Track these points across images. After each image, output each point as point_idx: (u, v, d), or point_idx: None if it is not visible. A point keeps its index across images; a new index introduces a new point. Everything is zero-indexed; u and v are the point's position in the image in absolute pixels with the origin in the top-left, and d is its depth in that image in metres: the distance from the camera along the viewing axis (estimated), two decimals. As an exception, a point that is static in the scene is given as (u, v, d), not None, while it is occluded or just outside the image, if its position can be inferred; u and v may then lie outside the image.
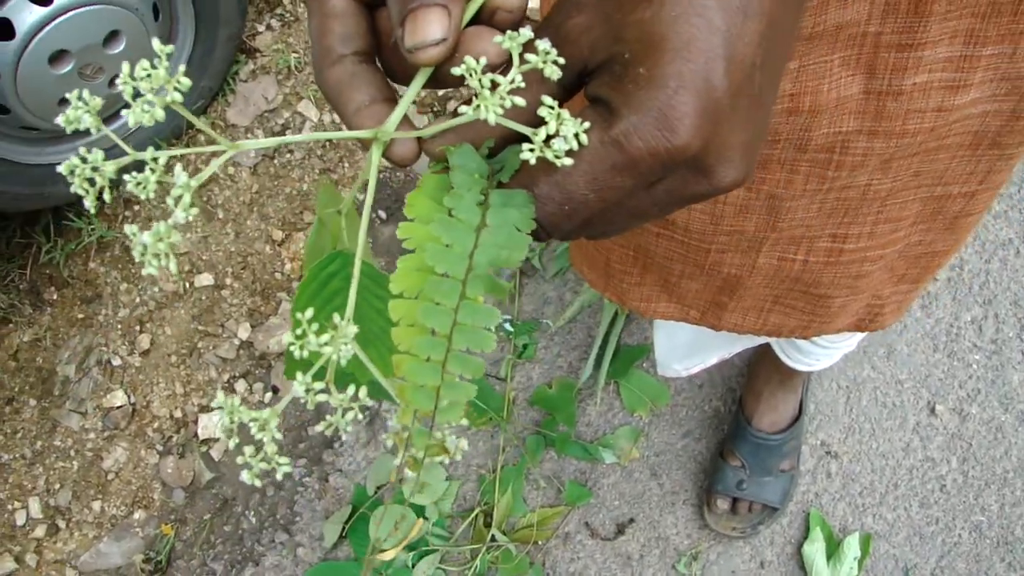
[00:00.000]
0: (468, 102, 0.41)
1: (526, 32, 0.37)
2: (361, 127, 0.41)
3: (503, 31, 0.39)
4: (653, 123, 0.35)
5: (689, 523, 1.66)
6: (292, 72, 1.94)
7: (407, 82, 0.43)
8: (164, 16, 1.72)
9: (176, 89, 0.38)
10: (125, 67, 0.39)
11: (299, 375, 0.40)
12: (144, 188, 0.38)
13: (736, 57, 0.35)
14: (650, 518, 1.67)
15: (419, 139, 0.43)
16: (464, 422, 0.41)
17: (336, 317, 0.41)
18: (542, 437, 1.69)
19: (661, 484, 1.69)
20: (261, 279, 1.89)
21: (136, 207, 1.92)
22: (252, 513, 1.80)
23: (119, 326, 1.88)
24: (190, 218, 0.38)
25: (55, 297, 1.92)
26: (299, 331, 0.40)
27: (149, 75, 0.38)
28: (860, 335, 1.34)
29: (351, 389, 0.41)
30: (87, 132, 1.75)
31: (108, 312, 1.89)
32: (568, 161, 0.37)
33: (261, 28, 1.97)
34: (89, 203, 0.40)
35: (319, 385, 0.40)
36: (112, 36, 1.62)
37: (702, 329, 1.17)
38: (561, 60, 0.37)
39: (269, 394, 1.85)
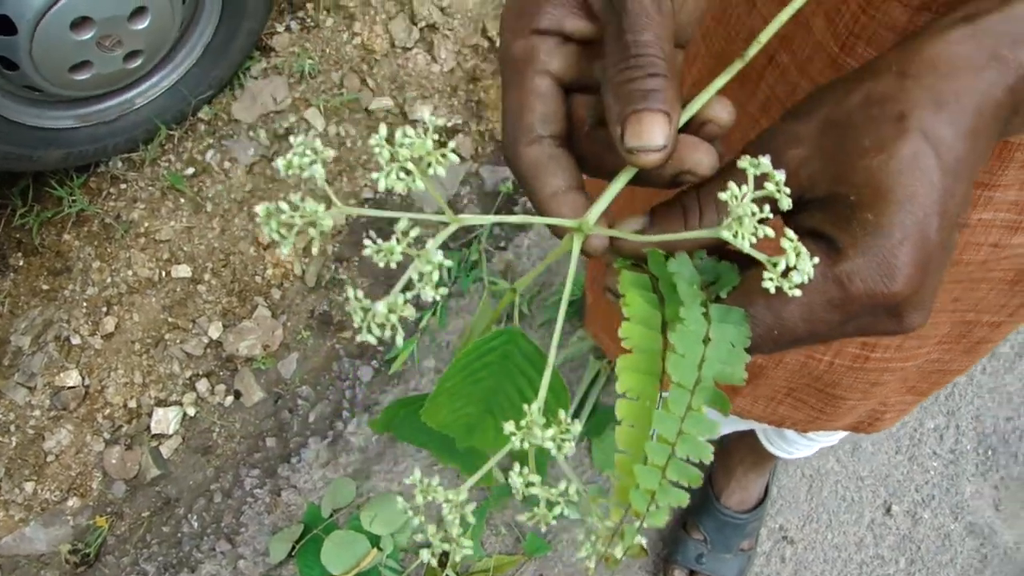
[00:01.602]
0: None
1: (765, 161, 0.38)
2: (558, 213, 0.42)
3: (710, 141, 0.41)
4: (877, 268, 0.37)
5: (642, 589, 1.67)
6: (305, 77, 1.91)
7: (596, 172, 0.44)
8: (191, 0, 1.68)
9: (439, 163, 0.37)
10: (383, 129, 0.38)
11: (516, 466, 0.40)
12: (386, 256, 0.37)
13: (947, 214, 0.38)
14: (603, 579, 1.67)
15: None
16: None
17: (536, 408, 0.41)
18: (508, 484, 1.68)
19: (619, 546, 1.68)
20: (241, 280, 1.84)
21: (123, 185, 1.86)
22: (195, 517, 1.74)
23: (85, 304, 1.81)
24: (438, 298, 0.37)
25: (21, 264, 1.84)
26: (524, 422, 0.39)
27: (412, 143, 0.37)
28: (844, 432, 1.37)
29: (563, 484, 0.40)
30: (88, 100, 1.70)
31: (75, 288, 1.82)
32: (798, 293, 0.38)
33: (280, 28, 1.95)
34: (285, 250, 0.38)
35: (536, 478, 0.40)
36: (138, 12, 1.58)
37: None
38: (787, 190, 0.39)
39: (230, 398, 1.80)
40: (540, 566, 1.67)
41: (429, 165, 0.36)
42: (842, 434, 1.36)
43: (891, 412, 1.04)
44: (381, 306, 0.36)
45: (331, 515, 1.67)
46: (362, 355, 1.82)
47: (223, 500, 1.75)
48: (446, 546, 0.40)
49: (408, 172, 0.36)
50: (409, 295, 0.36)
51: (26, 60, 1.53)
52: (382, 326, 0.37)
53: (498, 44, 0.47)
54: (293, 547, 1.66)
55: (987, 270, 0.72)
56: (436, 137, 0.36)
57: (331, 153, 0.38)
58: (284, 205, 0.37)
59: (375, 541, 1.62)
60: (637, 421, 0.40)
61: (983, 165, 0.41)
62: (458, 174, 1.91)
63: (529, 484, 0.40)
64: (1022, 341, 1.81)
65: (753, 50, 0.44)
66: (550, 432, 0.39)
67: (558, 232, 0.44)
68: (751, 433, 1.51)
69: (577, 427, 0.39)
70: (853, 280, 0.38)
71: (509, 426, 0.39)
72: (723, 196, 0.38)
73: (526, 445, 0.39)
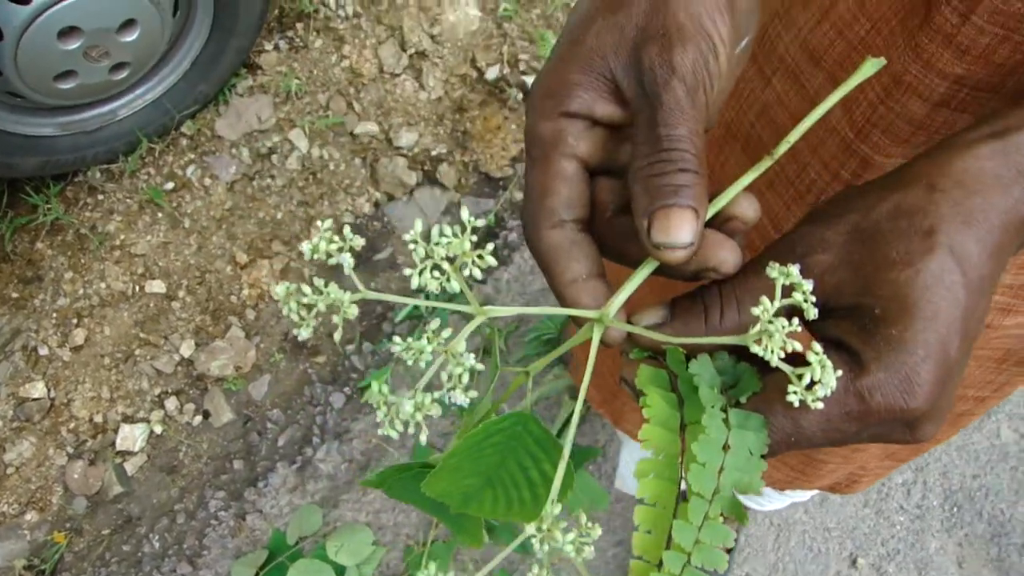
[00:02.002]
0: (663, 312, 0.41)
1: (795, 271, 0.38)
2: (577, 300, 0.42)
3: (732, 237, 0.41)
4: (898, 384, 0.38)
5: (605, 632, 1.66)
6: (291, 97, 1.90)
7: (616, 258, 0.44)
8: (182, 14, 1.67)
9: (475, 265, 0.36)
10: (418, 224, 0.37)
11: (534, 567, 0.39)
12: (416, 355, 0.36)
13: (968, 333, 0.38)
14: (567, 620, 1.66)
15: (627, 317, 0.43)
16: None
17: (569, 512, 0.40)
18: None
19: (584, 588, 1.68)
20: (215, 299, 1.82)
21: (100, 196, 1.83)
22: (157, 537, 1.71)
23: (55, 315, 1.78)
24: (468, 400, 0.36)
25: (-9, 270, 1.81)
26: (546, 526, 0.39)
27: (449, 242, 0.36)
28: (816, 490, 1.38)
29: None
30: (70, 109, 1.68)
31: (46, 297, 1.79)
32: (820, 405, 0.38)
33: (268, 47, 1.93)
34: (304, 333, 0.37)
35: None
36: (128, 24, 1.56)
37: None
38: (813, 298, 0.39)
39: (199, 417, 1.77)
40: (505, 605, 1.65)
41: (465, 265, 0.35)
42: (814, 491, 1.37)
43: (869, 476, 1.04)
44: (408, 406, 0.35)
45: (297, 542, 1.65)
46: (335, 381, 1.80)
47: (186, 521, 1.72)
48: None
49: (442, 271, 0.35)
50: (437, 395, 0.36)
51: (10, 67, 1.51)
52: (406, 423, 0.36)
53: (525, 122, 0.47)
54: (257, 573, 1.63)
55: (977, 348, 0.73)
56: (473, 239, 0.36)
57: (360, 241, 0.37)
58: (306, 288, 0.37)
59: (341, 572, 1.59)
60: (655, 527, 0.40)
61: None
62: (440, 204, 1.90)
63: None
64: (991, 399, 1.83)
65: (782, 149, 0.44)
66: (571, 536, 0.38)
67: (578, 321, 0.43)
68: (723, 481, 1.51)
69: (597, 531, 0.39)
70: (874, 395, 0.38)
71: (530, 528, 0.38)
72: (755, 311, 0.38)
73: (545, 548, 0.39)
